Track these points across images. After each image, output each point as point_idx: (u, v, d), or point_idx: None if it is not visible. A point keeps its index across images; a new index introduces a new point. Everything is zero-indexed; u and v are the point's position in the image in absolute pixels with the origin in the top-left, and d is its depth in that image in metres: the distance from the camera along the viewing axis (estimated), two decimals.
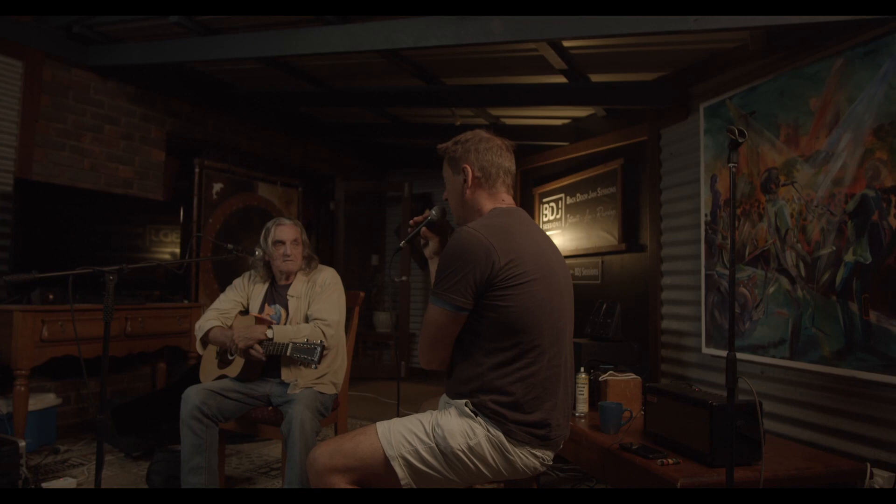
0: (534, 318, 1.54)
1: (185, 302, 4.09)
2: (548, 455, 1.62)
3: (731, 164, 1.81)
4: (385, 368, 6.27)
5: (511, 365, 1.54)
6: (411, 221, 1.85)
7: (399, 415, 1.85)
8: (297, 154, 5.70)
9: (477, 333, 1.56)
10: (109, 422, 3.34)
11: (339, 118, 5.43)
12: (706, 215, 3.38)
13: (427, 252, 1.84)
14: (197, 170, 4.58)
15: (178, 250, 4.16)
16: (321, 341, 2.32)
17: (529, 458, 1.57)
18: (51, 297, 3.22)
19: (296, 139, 5.64)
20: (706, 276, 3.36)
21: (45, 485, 2.70)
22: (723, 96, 3.26)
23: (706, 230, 3.38)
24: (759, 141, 3.00)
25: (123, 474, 3.00)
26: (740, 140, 1.77)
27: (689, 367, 3.52)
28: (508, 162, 1.73)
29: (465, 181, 1.69)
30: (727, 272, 3.17)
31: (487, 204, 1.70)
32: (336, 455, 1.56)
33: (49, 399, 3.43)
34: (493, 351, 1.55)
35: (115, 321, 3.33)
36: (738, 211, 3.14)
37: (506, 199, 1.72)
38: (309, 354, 2.30)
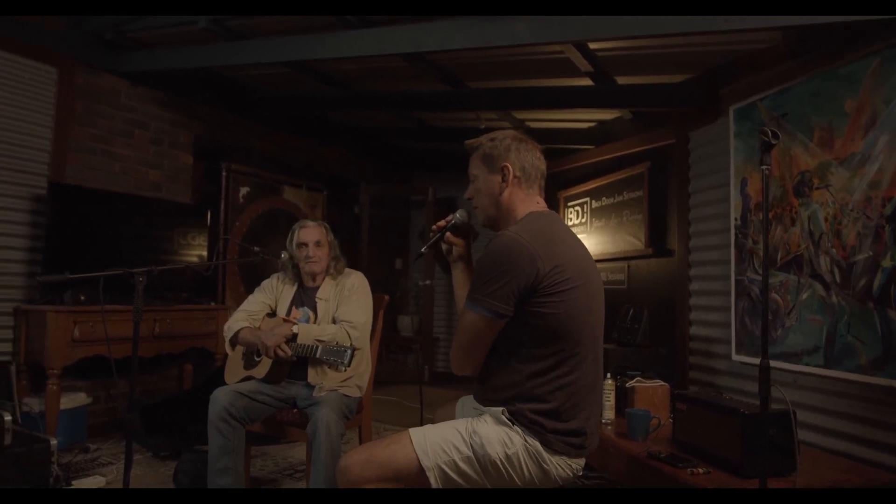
0: (575, 325, 1.51)
1: (212, 304, 4.13)
2: (580, 464, 1.59)
3: (763, 167, 1.77)
4: (408, 372, 6.27)
5: (551, 373, 1.50)
6: (434, 227, 1.81)
7: (423, 419, 1.83)
8: (322, 158, 5.73)
9: (515, 340, 1.52)
10: (138, 422, 3.39)
11: (364, 122, 5.45)
12: (736, 219, 3.32)
13: (451, 257, 1.80)
14: (224, 173, 4.64)
15: (205, 253, 4.22)
16: (351, 344, 2.32)
17: (564, 469, 1.53)
18: (82, 297, 3.28)
19: (321, 143, 5.68)
20: (736, 281, 3.29)
21: (75, 483, 2.75)
22: (753, 98, 3.20)
23: (736, 235, 3.31)
24: (792, 143, 2.94)
25: (151, 474, 3.04)
26: (773, 142, 1.72)
27: (719, 374, 3.45)
28: (544, 165, 1.70)
29: (504, 180, 1.64)
30: (758, 277, 3.10)
31: (522, 206, 1.65)
32: (369, 465, 1.51)
33: (80, 398, 3.50)
34: (532, 358, 1.51)
35: (144, 322, 3.37)
36: (770, 215, 3.08)
37: (540, 202, 1.69)
38: (338, 357, 2.30)
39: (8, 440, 2.53)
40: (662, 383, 2.81)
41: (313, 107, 4.83)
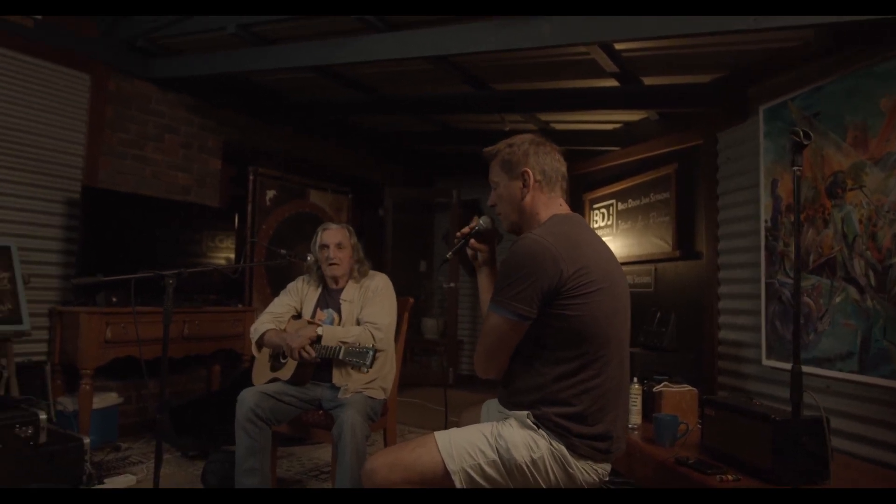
0: (600, 328, 1.49)
1: (240, 306, 4.19)
2: (606, 469, 1.57)
3: (795, 168, 1.73)
4: (433, 375, 6.27)
5: (576, 376, 1.49)
6: (458, 233, 1.80)
7: (447, 422, 1.83)
8: (347, 161, 5.78)
9: (539, 343, 1.52)
10: (168, 422, 3.45)
11: (388, 125, 5.48)
12: (766, 221, 3.25)
13: (476, 262, 1.80)
14: (251, 177, 4.70)
15: (233, 255, 4.28)
16: (373, 345, 2.33)
17: (590, 473, 1.52)
18: (114, 299, 3.36)
19: (346, 147, 5.73)
20: (766, 284, 3.23)
21: (107, 481, 2.80)
22: (783, 97, 3.14)
23: (766, 237, 3.25)
24: (824, 144, 2.87)
25: (180, 473, 3.09)
26: (805, 142, 1.69)
27: (749, 379, 3.38)
28: (564, 167, 1.69)
29: (525, 186, 1.63)
30: (790, 280, 3.04)
31: (545, 210, 1.65)
32: (395, 469, 1.52)
33: (111, 398, 3.57)
34: (556, 361, 1.50)
35: (174, 324, 3.43)
36: (802, 217, 3.01)
37: (563, 205, 1.68)
38: (361, 358, 2.31)
39: (43, 438, 2.60)
40: (690, 388, 2.76)
41: (338, 111, 4.88)
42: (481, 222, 1.77)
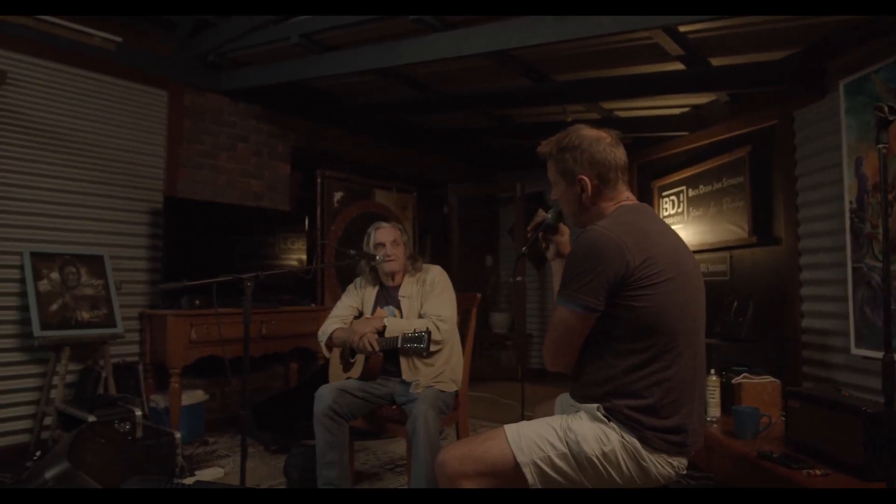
0: (670, 319, 1.46)
1: (313, 305, 4.33)
2: (682, 463, 1.54)
3: (880, 146, 1.63)
4: (502, 369, 6.28)
5: (646, 367, 1.47)
6: (529, 228, 1.81)
7: (523, 417, 1.84)
8: (410, 160, 5.86)
9: (609, 335, 1.50)
10: (250, 417, 3.62)
11: (448, 123, 5.51)
12: (851, 202, 3.07)
13: (549, 255, 1.80)
14: (319, 180, 4.85)
15: (304, 257, 4.43)
16: (427, 328, 2.36)
17: (664, 467, 1.49)
18: (197, 302, 3.55)
19: (408, 146, 5.80)
20: (853, 269, 3.05)
21: (197, 473, 2.97)
22: (866, 70, 2.95)
23: (852, 219, 3.07)
24: None
25: (264, 466, 3.23)
26: (891, 118, 1.59)
27: (836, 369, 3.21)
28: (622, 156, 1.62)
29: (584, 191, 1.60)
30: (879, 264, 2.86)
31: (609, 203, 1.61)
32: (466, 460, 1.54)
33: (198, 395, 3.78)
34: (626, 353, 1.48)
35: (252, 324, 3.60)
36: (890, 196, 2.82)
37: (629, 196, 1.63)
38: (418, 342, 2.37)
39: (139, 433, 2.79)
40: (772, 379, 2.66)
41: (399, 111, 4.94)
42: (549, 216, 1.75)
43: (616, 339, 1.49)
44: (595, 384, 1.53)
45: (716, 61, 3.58)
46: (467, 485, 1.54)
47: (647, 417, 1.46)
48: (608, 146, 1.59)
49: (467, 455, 1.55)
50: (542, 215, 1.77)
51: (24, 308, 3.17)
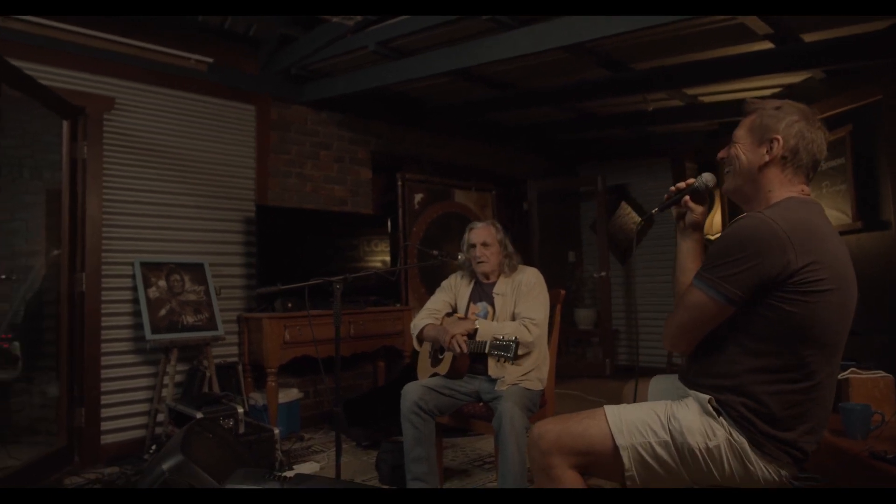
0: (818, 332, 1.35)
1: (398, 305, 4.44)
2: (793, 472, 1.43)
3: None
4: (588, 365, 6.17)
5: (774, 374, 1.37)
6: (672, 188, 1.65)
7: None
8: (488, 158, 5.88)
9: (743, 329, 1.39)
10: (342, 414, 3.76)
11: (525, 119, 5.49)
12: None
13: (682, 223, 1.63)
14: (399, 183, 4.96)
15: (387, 258, 4.54)
16: (515, 338, 2.36)
17: (771, 473, 1.39)
18: (290, 305, 3.73)
19: (486, 144, 5.82)
20: None
21: (295, 467, 3.12)
22: None
23: None
24: None
25: (356, 461, 3.35)
26: None
27: None
28: (823, 151, 1.49)
29: (769, 153, 1.46)
30: None
31: (780, 189, 1.46)
32: (563, 436, 1.50)
33: (293, 393, 3.97)
34: (756, 353, 1.38)
35: (342, 324, 3.74)
36: None
37: (805, 190, 1.48)
38: (505, 351, 2.37)
39: (242, 429, 2.96)
40: (885, 374, 2.47)
41: (475, 110, 4.97)
42: (702, 179, 1.59)
43: (750, 335, 1.39)
44: (713, 374, 1.45)
45: (808, 37, 3.37)
46: (559, 462, 1.50)
47: (763, 424, 1.37)
48: (821, 136, 1.49)
49: (565, 431, 1.51)
50: (694, 179, 1.63)
51: (136, 314, 3.44)
